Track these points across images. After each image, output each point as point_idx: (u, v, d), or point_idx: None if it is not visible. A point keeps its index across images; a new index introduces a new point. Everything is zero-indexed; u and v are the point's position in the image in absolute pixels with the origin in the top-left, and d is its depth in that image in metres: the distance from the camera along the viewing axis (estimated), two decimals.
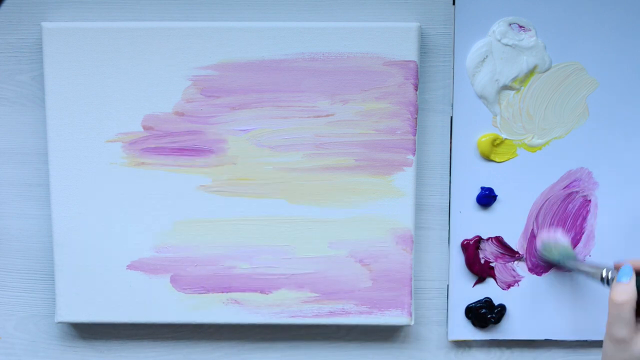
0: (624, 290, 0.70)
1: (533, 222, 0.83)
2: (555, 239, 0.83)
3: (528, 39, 0.80)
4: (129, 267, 0.83)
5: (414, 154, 0.81)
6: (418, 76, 0.80)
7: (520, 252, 0.84)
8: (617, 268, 0.74)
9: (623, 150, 0.82)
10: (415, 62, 0.80)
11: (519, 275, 0.84)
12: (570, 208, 0.84)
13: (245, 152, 0.81)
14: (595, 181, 0.83)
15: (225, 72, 0.80)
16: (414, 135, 0.81)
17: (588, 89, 0.82)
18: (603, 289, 0.83)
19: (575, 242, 0.84)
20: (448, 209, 0.84)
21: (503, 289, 0.85)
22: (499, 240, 0.83)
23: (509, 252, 0.84)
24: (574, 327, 0.85)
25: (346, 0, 0.81)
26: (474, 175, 0.83)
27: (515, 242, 0.84)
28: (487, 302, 0.85)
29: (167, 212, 0.82)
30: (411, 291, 0.83)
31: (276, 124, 0.81)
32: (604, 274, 0.75)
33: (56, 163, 0.82)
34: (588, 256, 0.84)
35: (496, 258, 0.84)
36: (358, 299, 0.83)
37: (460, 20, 0.80)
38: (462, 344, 0.87)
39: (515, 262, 0.84)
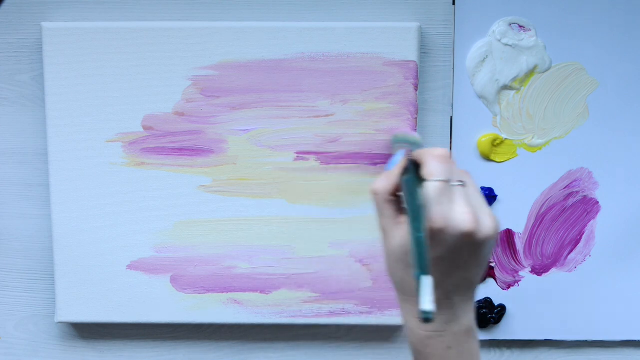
0: (380, 178, 0.63)
1: (533, 223, 0.83)
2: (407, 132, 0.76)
3: (528, 39, 0.80)
4: (129, 267, 0.83)
5: None
6: (418, 76, 0.80)
7: (519, 252, 0.84)
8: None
9: (623, 150, 0.82)
10: (415, 62, 0.80)
11: (519, 275, 0.84)
12: (571, 208, 0.84)
13: (245, 152, 0.81)
14: (595, 181, 0.83)
15: (225, 72, 0.80)
16: None
17: (588, 89, 0.82)
18: (606, 287, 0.83)
19: (575, 242, 0.84)
20: None
21: (503, 289, 0.85)
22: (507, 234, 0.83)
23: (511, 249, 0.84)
24: (574, 327, 0.85)
25: (346, 0, 0.81)
26: (474, 175, 0.83)
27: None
28: (487, 302, 0.84)
29: (167, 212, 0.82)
30: None
31: (276, 124, 0.81)
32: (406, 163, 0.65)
33: (56, 163, 0.81)
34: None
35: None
36: (358, 299, 0.83)
37: (460, 20, 0.80)
38: None
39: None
